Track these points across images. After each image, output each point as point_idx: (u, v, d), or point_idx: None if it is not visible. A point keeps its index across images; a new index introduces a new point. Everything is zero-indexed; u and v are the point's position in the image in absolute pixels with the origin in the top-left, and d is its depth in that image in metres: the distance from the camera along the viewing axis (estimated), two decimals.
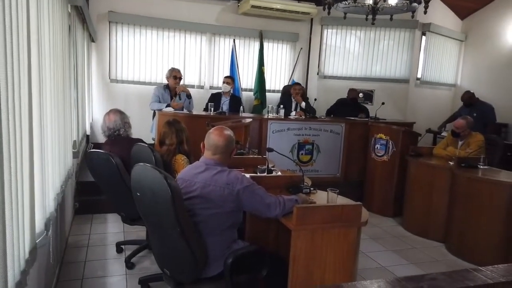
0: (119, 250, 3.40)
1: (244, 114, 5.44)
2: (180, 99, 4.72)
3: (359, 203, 2.19)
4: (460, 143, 4.29)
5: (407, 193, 4.46)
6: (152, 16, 5.91)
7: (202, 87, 6.39)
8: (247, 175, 2.26)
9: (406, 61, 6.81)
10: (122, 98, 5.84)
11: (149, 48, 6.02)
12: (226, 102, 5.26)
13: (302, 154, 5.22)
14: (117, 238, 3.63)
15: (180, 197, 1.90)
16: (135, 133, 3.49)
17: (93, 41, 5.59)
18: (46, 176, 2.07)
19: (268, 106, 5.66)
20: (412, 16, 4.51)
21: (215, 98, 5.21)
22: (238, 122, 4.15)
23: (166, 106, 4.55)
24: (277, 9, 6.05)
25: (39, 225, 1.87)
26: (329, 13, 4.22)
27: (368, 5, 4.28)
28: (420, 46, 6.91)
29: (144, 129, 4.95)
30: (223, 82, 5.27)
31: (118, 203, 3.10)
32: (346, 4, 4.34)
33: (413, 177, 4.36)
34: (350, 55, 6.91)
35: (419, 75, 7.02)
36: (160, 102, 4.65)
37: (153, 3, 5.92)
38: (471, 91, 5.72)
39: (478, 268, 0.95)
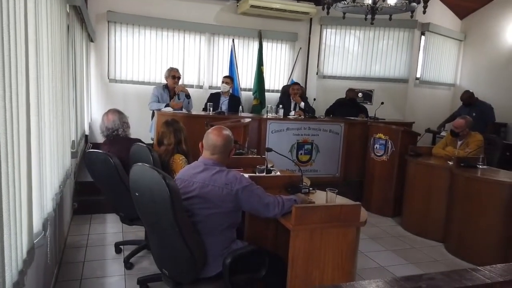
0: (118, 250, 3.40)
1: (243, 114, 5.43)
2: (179, 99, 4.72)
3: (358, 203, 2.19)
4: (459, 142, 4.28)
5: (406, 193, 4.46)
6: (151, 16, 5.90)
7: (201, 87, 6.38)
8: (246, 175, 2.27)
9: (405, 61, 6.82)
10: (121, 98, 5.83)
11: (148, 48, 6.01)
12: (225, 102, 5.25)
13: (301, 154, 5.22)
14: (116, 238, 3.63)
15: (179, 197, 1.90)
16: (134, 133, 3.49)
17: (91, 41, 5.59)
18: (44, 176, 2.07)
19: (267, 106, 5.67)
20: (411, 16, 4.51)
21: (214, 98, 5.20)
22: (237, 122, 4.15)
23: (165, 106, 4.55)
24: (276, 9, 6.05)
25: (37, 225, 1.86)
26: (328, 13, 4.23)
27: (367, 5, 4.29)
28: (419, 46, 6.92)
29: (143, 129, 4.95)
30: (222, 82, 5.26)
31: (117, 203, 3.10)
32: (345, 4, 4.34)
33: (412, 177, 4.36)
34: (349, 55, 6.91)
35: (418, 75, 7.02)
36: (159, 102, 4.64)
37: (152, 3, 5.91)
38: (471, 91, 5.72)
39: (477, 268, 0.95)
